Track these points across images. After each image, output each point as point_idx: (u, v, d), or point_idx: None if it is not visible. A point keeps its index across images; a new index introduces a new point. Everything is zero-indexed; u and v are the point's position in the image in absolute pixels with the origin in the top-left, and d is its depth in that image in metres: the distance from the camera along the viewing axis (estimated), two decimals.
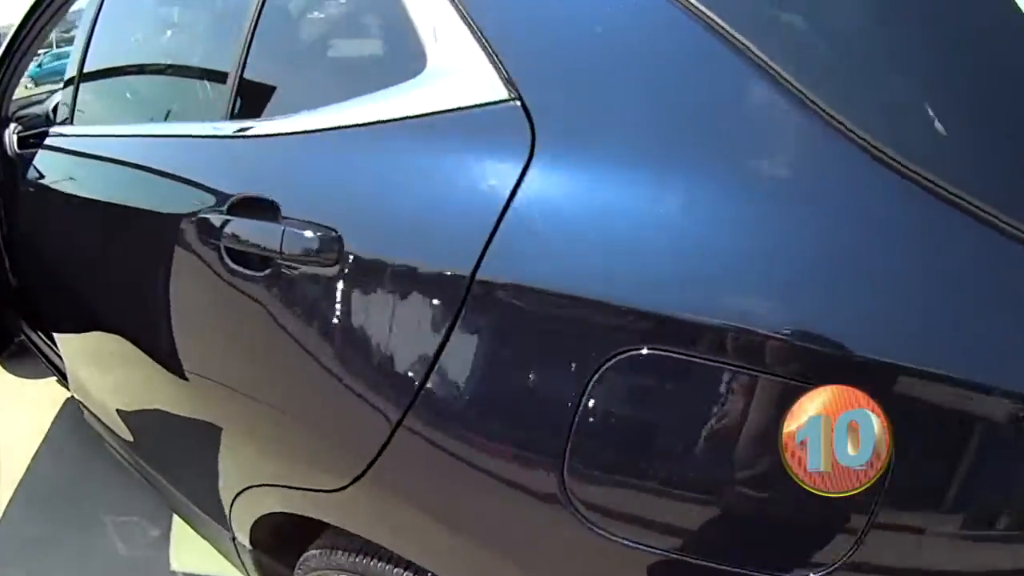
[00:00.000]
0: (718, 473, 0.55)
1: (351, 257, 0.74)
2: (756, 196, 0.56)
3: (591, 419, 0.58)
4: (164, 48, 1.39)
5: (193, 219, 1.00)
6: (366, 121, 0.78)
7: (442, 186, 0.69)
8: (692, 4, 0.59)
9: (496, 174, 0.64)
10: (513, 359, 0.64)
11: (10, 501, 1.90)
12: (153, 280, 1.16)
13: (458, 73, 0.70)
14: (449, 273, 0.65)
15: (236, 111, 1.01)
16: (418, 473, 0.75)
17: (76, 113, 1.51)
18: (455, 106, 0.69)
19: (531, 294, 0.61)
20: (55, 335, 1.70)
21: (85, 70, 1.49)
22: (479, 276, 0.63)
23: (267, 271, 0.85)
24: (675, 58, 0.61)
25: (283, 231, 0.80)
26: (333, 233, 0.75)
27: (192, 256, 1.01)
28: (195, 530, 1.44)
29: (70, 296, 1.52)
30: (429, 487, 0.75)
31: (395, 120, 0.74)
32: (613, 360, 0.57)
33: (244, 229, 0.89)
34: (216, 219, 0.94)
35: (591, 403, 0.58)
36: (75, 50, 1.51)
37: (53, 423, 2.24)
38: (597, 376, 0.57)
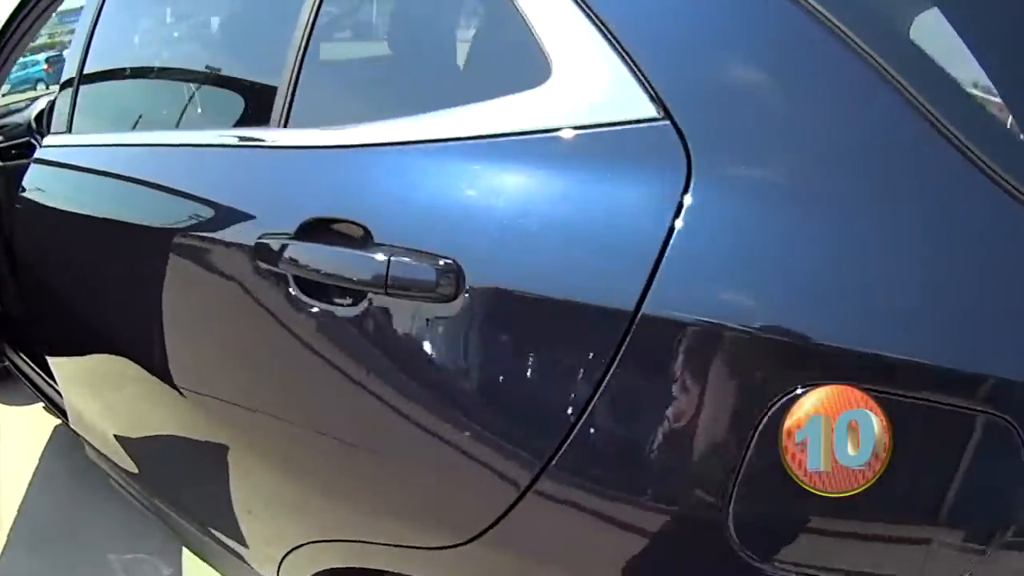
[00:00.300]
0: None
1: (474, 291, 0.66)
2: (926, 233, 0.53)
3: (757, 463, 0.55)
4: (188, 45, 1.26)
5: (240, 242, 0.89)
6: (482, 133, 0.69)
7: (589, 211, 0.61)
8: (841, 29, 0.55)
9: (653, 199, 0.58)
10: (675, 404, 0.58)
11: (7, 541, 1.75)
12: (186, 309, 1.04)
13: (593, 85, 0.63)
14: (607, 310, 0.59)
15: (292, 118, 0.90)
16: (557, 528, 0.67)
17: (75, 121, 1.36)
18: (594, 122, 0.62)
19: (701, 332, 0.56)
20: (55, 367, 1.55)
21: (86, 72, 1.34)
22: (643, 313, 0.57)
23: (360, 305, 0.75)
24: (837, 82, 0.57)
25: (389, 261, 0.70)
26: (451, 263, 0.66)
27: (238, 285, 0.91)
28: (215, 568, 1.35)
29: (76, 323, 1.38)
30: (567, 542, 0.67)
31: (520, 133, 0.66)
32: (782, 400, 0.53)
33: (324, 256, 0.79)
34: (276, 243, 0.83)
35: (759, 448, 0.54)
36: (73, 50, 1.36)
37: (44, 453, 2.09)
38: (766, 419, 0.54)
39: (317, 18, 0.87)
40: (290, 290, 0.82)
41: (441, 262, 0.67)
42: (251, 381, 0.96)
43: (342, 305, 0.77)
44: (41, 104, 1.98)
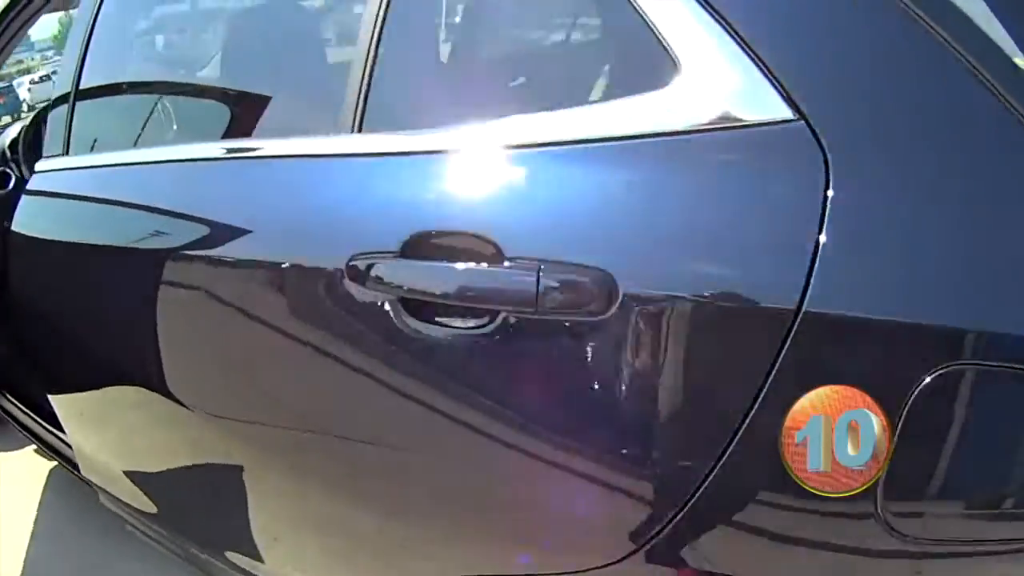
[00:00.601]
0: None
1: (629, 302, 0.62)
2: None
3: (907, 437, 0.56)
4: (215, 47, 1.14)
5: (318, 264, 0.82)
6: (611, 135, 0.66)
7: (736, 213, 0.61)
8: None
9: (797, 199, 0.59)
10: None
11: None
12: (243, 341, 0.95)
13: (723, 85, 0.62)
14: (768, 311, 0.58)
15: (367, 122, 0.82)
16: (718, 537, 0.65)
17: (73, 141, 1.23)
18: (728, 123, 0.62)
19: (854, 324, 0.57)
20: (66, 413, 1.43)
21: (83, 86, 1.22)
22: (803, 315, 0.57)
23: (491, 325, 0.69)
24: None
25: (538, 276, 0.65)
26: (604, 274, 0.63)
27: (320, 311, 0.84)
28: None
29: (95, 364, 1.27)
30: (727, 550, 0.66)
31: (652, 135, 0.64)
32: (929, 377, 0.55)
33: (445, 275, 0.72)
34: (375, 263, 0.76)
35: (907, 422, 0.56)
36: (65, 63, 1.23)
37: (42, 500, 1.94)
38: (913, 396, 0.55)
39: (389, 8, 0.80)
40: (395, 313, 0.75)
41: (594, 274, 0.64)
42: (338, 408, 0.89)
43: (466, 328, 0.72)
44: (13, 131, 1.83)
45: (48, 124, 1.28)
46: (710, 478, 0.62)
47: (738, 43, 0.62)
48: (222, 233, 0.94)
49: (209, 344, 1.02)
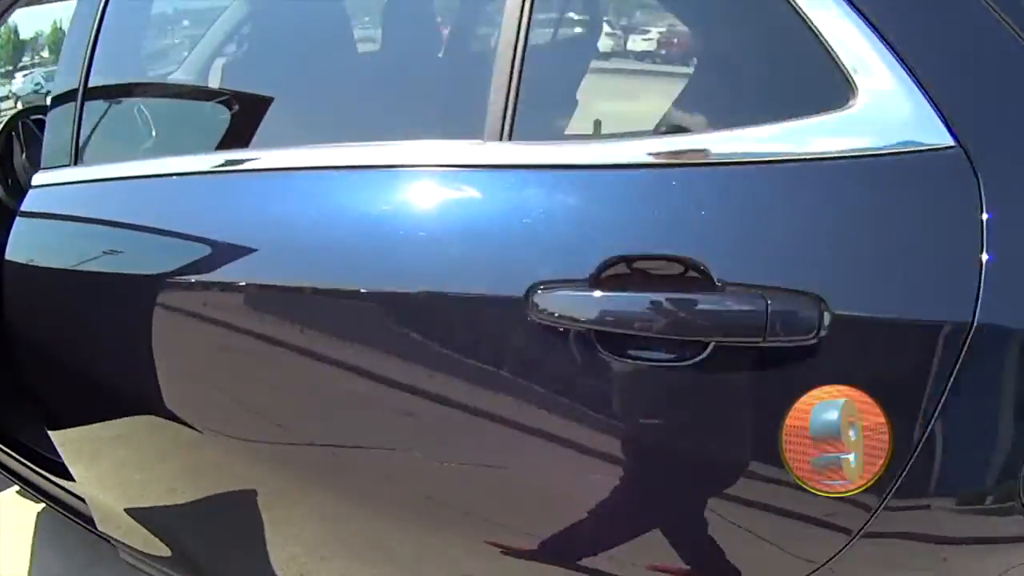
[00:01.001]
0: None
1: (835, 324, 0.64)
2: None
3: None
4: (279, 30, 0.95)
5: (483, 293, 0.72)
6: (803, 155, 0.66)
7: (911, 235, 0.65)
8: None
9: (960, 219, 0.63)
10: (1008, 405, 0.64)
11: None
12: (358, 380, 0.81)
13: (895, 110, 0.65)
14: (946, 327, 0.62)
15: (518, 128, 0.69)
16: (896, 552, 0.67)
17: (84, 149, 1.03)
18: (906, 148, 0.65)
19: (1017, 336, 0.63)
20: (81, 463, 1.24)
21: (92, 83, 1.01)
22: (976, 329, 0.61)
23: (699, 357, 0.67)
24: None
25: (767, 304, 0.64)
26: (817, 298, 0.64)
27: (485, 346, 0.74)
28: None
29: (126, 404, 1.09)
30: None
31: (841, 157, 0.66)
32: None
33: (660, 307, 0.67)
34: (548, 294, 0.67)
35: None
36: (67, 55, 1.01)
37: (34, 545, 1.74)
38: None
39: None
40: (587, 347, 0.68)
41: (807, 298, 0.65)
42: (491, 441, 0.77)
43: (668, 360, 0.68)
44: None
45: (47, 129, 1.06)
46: (895, 488, 0.64)
47: (907, 71, 0.65)
48: (328, 260, 0.79)
49: (314, 382, 0.87)
